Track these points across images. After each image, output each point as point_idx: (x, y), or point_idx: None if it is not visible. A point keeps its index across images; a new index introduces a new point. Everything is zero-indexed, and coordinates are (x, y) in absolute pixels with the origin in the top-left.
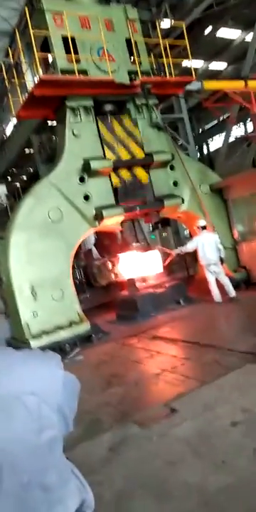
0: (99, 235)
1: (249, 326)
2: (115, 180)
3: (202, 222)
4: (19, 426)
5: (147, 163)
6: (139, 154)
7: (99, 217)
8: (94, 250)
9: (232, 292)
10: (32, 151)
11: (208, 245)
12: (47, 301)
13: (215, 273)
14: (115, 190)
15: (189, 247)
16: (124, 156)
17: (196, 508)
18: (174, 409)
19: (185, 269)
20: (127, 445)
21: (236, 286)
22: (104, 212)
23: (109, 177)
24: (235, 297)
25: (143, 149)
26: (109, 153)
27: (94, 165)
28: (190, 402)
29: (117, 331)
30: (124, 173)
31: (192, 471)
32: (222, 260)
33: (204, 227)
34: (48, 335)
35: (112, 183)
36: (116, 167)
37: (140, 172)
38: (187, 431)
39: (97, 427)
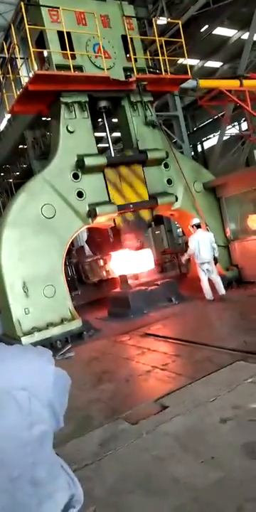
0: (91, 232)
1: (240, 324)
2: (119, 221)
3: (195, 221)
4: (9, 421)
5: (152, 206)
6: (145, 195)
7: (92, 214)
8: (86, 247)
9: (222, 290)
10: (26, 146)
11: (202, 244)
12: (39, 297)
13: (208, 272)
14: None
15: (191, 248)
16: (131, 197)
17: (185, 503)
18: (164, 406)
19: (177, 267)
20: (117, 441)
21: (228, 284)
22: (98, 210)
23: (103, 174)
24: (224, 295)
25: (148, 192)
26: (114, 195)
27: (88, 161)
28: (181, 399)
29: (109, 328)
30: (128, 215)
31: (181, 467)
32: (216, 260)
33: (198, 226)
34: (39, 332)
35: (105, 180)
36: (121, 209)
37: (144, 212)
38: (177, 427)
39: (87, 423)
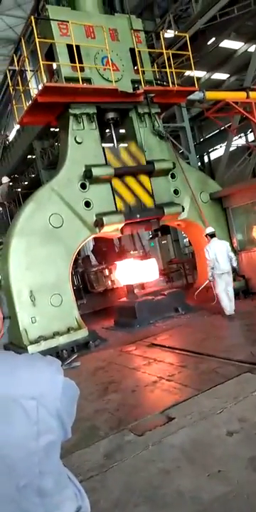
0: (97, 241)
1: (247, 335)
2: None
3: (209, 230)
4: (17, 430)
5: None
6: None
7: (99, 223)
8: (92, 257)
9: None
10: (34, 156)
11: (220, 254)
12: (45, 306)
13: (226, 283)
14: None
15: (210, 259)
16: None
17: None
18: (170, 417)
19: (183, 277)
20: (123, 452)
21: (235, 295)
22: (105, 219)
23: (110, 184)
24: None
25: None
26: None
27: (96, 172)
28: (187, 411)
29: (115, 338)
30: (129, 199)
31: (187, 480)
32: (235, 270)
33: (213, 235)
34: (46, 340)
35: (113, 190)
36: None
37: (146, 199)
38: (183, 439)
39: (93, 433)
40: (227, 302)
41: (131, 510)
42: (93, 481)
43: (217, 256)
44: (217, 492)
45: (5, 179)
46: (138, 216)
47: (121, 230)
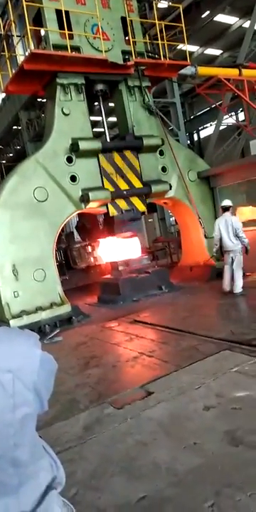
0: (81, 218)
1: (228, 314)
2: (112, 210)
3: (224, 202)
4: None
5: (145, 192)
6: (138, 185)
7: (85, 199)
8: (76, 233)
9: (237, 289)
10: (20, 128)
11: (223, 230)
12: (29, 281)
13: (232, 261)
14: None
15: (214, 234)
16: (123, 186)
17: (165, 487)
18: (150, 392)
19: (168, 256)
20: (102, 425)
21: (217, 275)
22: (91, 195)
23: (97, 159)
24: (238, 294)
25: (142, 181)
26: (107, 184)
27: (83, 145)
28: (166, 386)
29: (98, 314)
30: (122, 204)
31: (163, 452)
32: (247, 250)
33: (226, 209)
34: (28, 315)
35: (100, 166)
36: (115, 197)
37: (137, 202)
38: (161, 413)
39: (73, 406)
40: (226, 278)
41: (107, 480)
42: (71, 453)
43: (222, 232)
44: (192, 463)
45: None
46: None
47: (108, 208)
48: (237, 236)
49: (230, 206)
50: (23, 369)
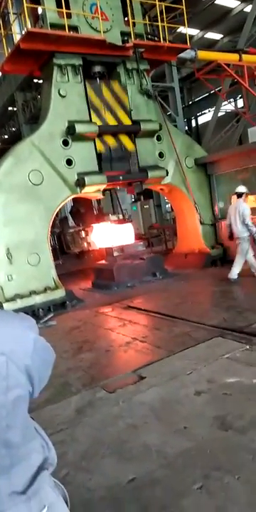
0: (75, 203)
1: (221, 302)
2: (100, 146)
3: (239, 188)
4: None
5: (134, 130)
6: (126, 121)
7: (81, 183)
8: (70, 218)
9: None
10: (15, 109)
11: (233, 216)
12: (23, 265)
13: (242, 250)
14: (99, 156)
15: (227, 220)
16: (111, 121)
17: (155, 469)
18: (142, 377)
19: (163, 243)
20: (94, 408)
21: (212, 262)
22: (87, 179)
23: (94, 143)
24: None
25: (130, 117)
26: (95, 118)
27: (80, 128)
28: (158, 371)
29: (92, 299)
30: (110, 140)
31: (154, 435)
32: (254, 240)
33: (239, 195)
34: (22, 299)
35: (96, 149)
36: (102, 132)
37: (126, 140)
38: (152, 397)
39: (65, 390)
40: (236, 266)
41: (98, 461)
42: (63, 434)
43: (231, 218)
44: (182, 447)
45: None
46: (121, 178)
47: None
48: (244, 224)
49: (243, 193)
50: (17, 352)
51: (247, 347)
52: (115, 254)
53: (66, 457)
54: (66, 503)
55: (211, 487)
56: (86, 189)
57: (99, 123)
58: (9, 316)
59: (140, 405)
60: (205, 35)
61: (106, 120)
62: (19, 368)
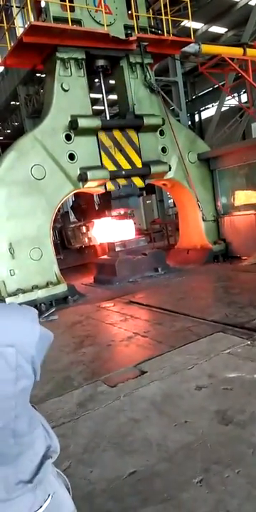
0: (76, 198)
1: (223, 298)
2: (110, 186)
3: None
4: None
5: (145, 174)
6: (138, 163)
7: (83, 178)
8: (71, 213)
9: None
10: (18, 103)
11: None
12: (25, 260)
13: None
14: (108, 193)
15: None
16: (122, 163)
17: (155, 463)
18: (143, 371)
19: (165, 238)
20: (95, 402)
21: (214, 258)
22: (89, 174)
23: (97, 137)
24: None
25: (141, 157)
26: (106, 161)
27: (82, 123)
28: (159, 365)
29: (94, 294)
30: (121, 181)
31: (155, 429)
32: None
33: None
34: (24, 294)
35: (99, 144)
36: (114, 177)
37: (137, 180)
38: (153, 391)
39: (67, 383)
40: None
41: (99, 454)
42: (64, 428)
43: None
44: (182, 441)
45: None
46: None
47: (106, 186)
48: None
49: None
50: (25, 343)
51: (249, 342)
52: (117, 249)
53: (68, 450)
54: (68, 491)
55: (211, 481)
56: (88, 184)
57: (110, 167)
58: (14, 308)
59: (141, 399)
60: (210, 29)
61: (118, 162)
62: (26, 359)
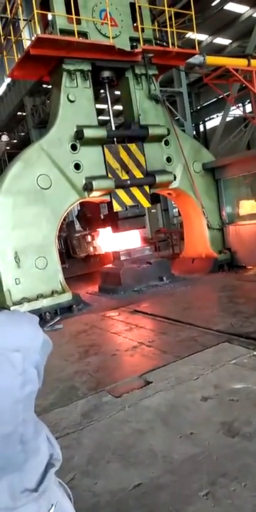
0: (82, 207)
1: (228, 307)
2: (117, 206)
3: None
4: (4, 380)
5: (150, 183)
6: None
7: (88, 187)
8: (77, 222)
9: None
10: (24, 114)
11: None
12: (30, 268)
13: None
14: (115, 214)
15: None
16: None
17: (161, 475)
18: (148, 381)
19: (170, 247)
20: (100, 412)
21: (219, 267)
22: (95, 183)
23: (102, 148)
24: None
25: (146, 169)
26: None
27: (88, 133)
28: (164, 376)
29: (99, 303)
30: (126, 199)
31: (160, 440)
32: None
33: None
34: (29, 302)
35: (104, 154)
36: (119, 186)
37: (141, 198)
38: (159, 402)
39: (72, 393)
40: None
41: (103, 466)
42: (69, 439)
43: None
44: (188, 453)
45: (5, 137)
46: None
47: (111, 197)
48: None
49: None
50: (30, 349)
51: (255, 353)
52: (122, 258)
53: (72, 461)
54: (70, 501)
55: (217, 494)
56: (94, 193)
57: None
58: (19, 314)
59: (146, 410)
60: (214, 41)
61: (121, 178)
62: (32, 363)
